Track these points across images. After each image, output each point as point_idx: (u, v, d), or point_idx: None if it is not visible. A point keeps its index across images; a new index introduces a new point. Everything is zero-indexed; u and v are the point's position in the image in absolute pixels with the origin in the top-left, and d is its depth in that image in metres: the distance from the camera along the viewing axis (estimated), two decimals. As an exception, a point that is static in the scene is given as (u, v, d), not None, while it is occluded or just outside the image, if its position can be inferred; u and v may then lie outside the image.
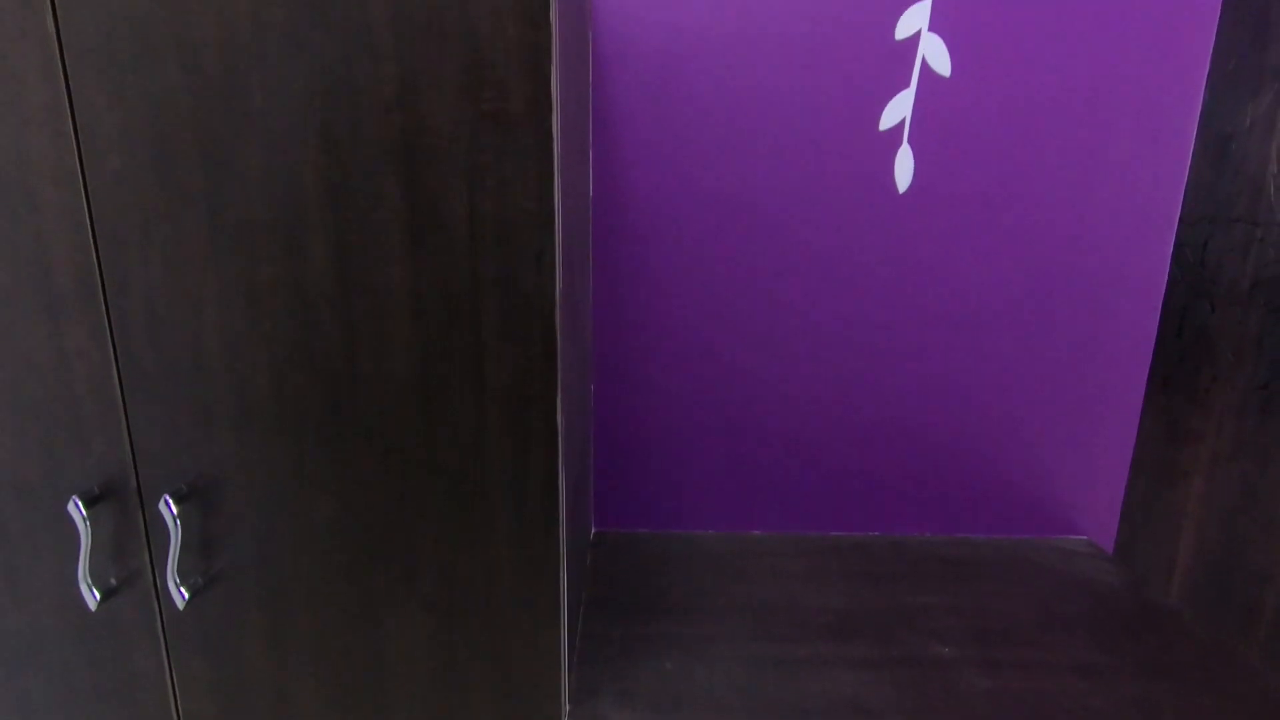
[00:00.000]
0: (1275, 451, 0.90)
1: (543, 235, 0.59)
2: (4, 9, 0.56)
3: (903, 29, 0.95)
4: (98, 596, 0.67)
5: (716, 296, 1.04)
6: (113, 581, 0.69)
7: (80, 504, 0.65)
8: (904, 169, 0.99)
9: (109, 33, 0.56)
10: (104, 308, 0.62)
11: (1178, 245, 1.03)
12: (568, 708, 0.73)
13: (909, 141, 0.99)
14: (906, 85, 0.97)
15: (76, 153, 0.59)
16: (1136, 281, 1.04)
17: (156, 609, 0.69)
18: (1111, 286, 1.04)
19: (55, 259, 0.61)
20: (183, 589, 0.67)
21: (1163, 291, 1.05)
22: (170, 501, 0.65)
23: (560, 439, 0.64)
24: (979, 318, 1.05)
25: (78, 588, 0.68)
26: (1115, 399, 1.09)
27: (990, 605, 0.96)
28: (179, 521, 0.66)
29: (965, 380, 1.07)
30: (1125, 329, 1.06)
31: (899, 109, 0.97)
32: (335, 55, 0.56)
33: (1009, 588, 1.00)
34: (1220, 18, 0.95)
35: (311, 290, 0.61)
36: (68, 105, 0.58)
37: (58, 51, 0.57)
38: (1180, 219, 1.02)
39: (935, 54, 0.96)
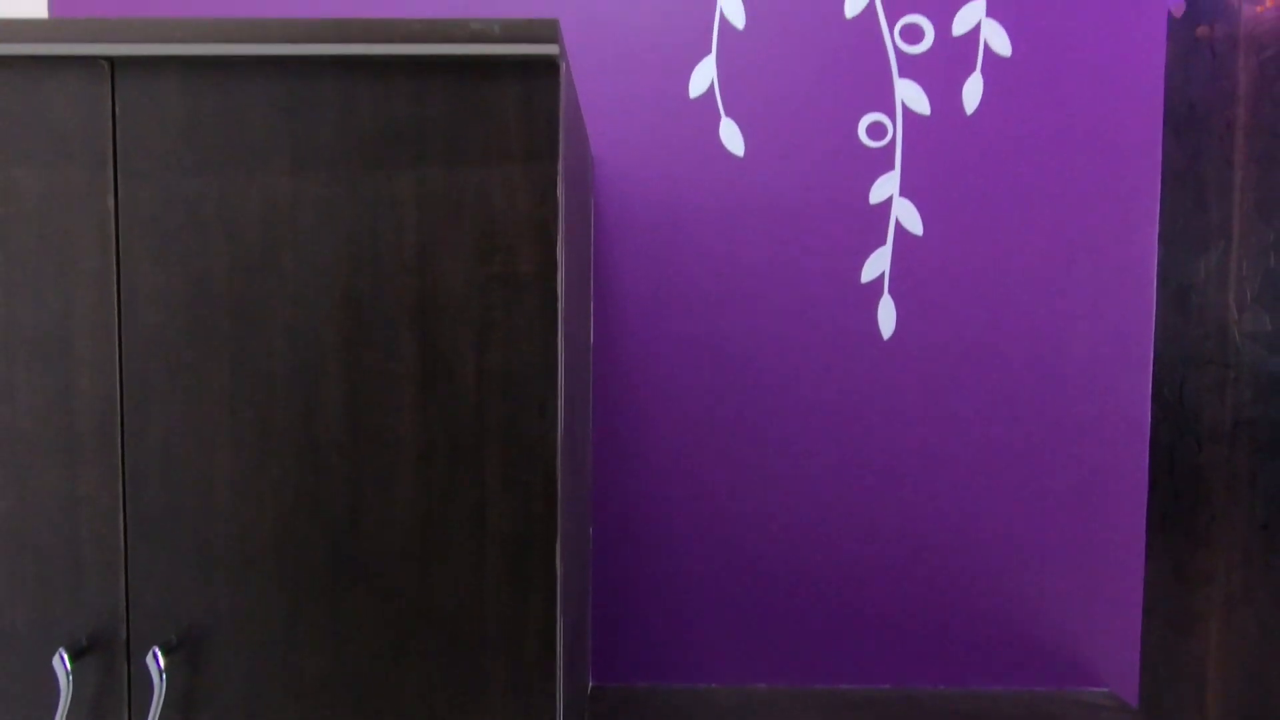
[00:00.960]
0: (1285, 594, 0.89)
1: (546, 386, 0.62)
2: (72, 187, 0.63)
3: (876, 195, 1.05)
4: (69, 761, 0.63)
5: (714, 443, 1.07)
6: (86, 744, 0.65)
7: (66, 658, 0.63)
8: (887, 318, 1.05)
9: (162, 208, 0.63)
10: (120, 452, 0.64)
11: (1156, 384, 1.07)
12: None
13: (890, 292, 1.05)
14: (883, 243, 1.05)
15: (117, 309, 0.63)
16: (1121, 421, 1.07)
17: (128, 775, 0.66)
18: (1098, 427, 1.07)
19: (80, 405, 0.64)
20: (159, 752, 0.64)
21: (1148, 431, 1.07)
22: (159, 654, 0.63)
23: (559, 587, 0.64)
24: (975, 462, 1.07)
25: (49, 751, 0.65)
26: (1118, 540, 1.08)
27: (1013, 767, 0.90)
28: (165, 675, 0.64)
29: (966, 525, 1.07)
30: (1118, 468, 1.07)
31: (878, 264, 1.05)
32: (363, 226, 0.62)
33: (1032, 747, 0.95)
34: (1162, 184, 1.05)
35: (322, 437, 0.63)
36: (115, 270, 0.63)
37: (114, 224, 0.63)
38: (1155, 359, 1.07)
39: (907, 216, 1.05)
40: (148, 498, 0.64)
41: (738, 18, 1.05)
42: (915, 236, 1.05)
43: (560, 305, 0.63)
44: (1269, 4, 0.98)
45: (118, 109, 0.62)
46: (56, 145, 0.62)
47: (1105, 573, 1.08)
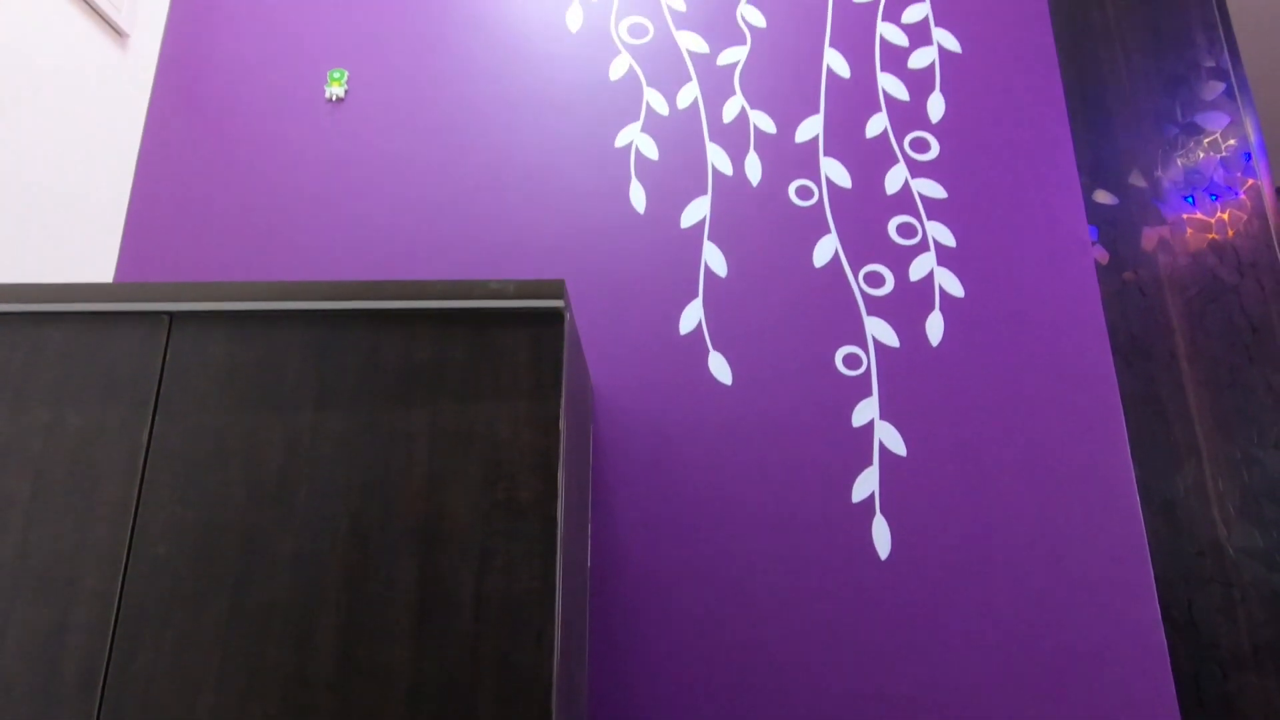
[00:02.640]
0: None
1: (544, 613, 0.62)
2: (111, 424, 0.68)
3: (858, 418, 1.12)
4: None
5: (715, 668, 1.02)
6: None
7: None
8: (882, 538, 1.06)
9: (190, 443, 0.68)
10: (99, 697, 0.62)
11: (1164, 607, 1.05)
12: None
13: (882, 512, 1.08)
14: (870, 463, 1.10)
15: (128, 543, 0.65)
16: (1138, 648, 1.03)
17: None
18: (1113, 656, 1.03)
19: (69, 645, 0.63)
20: None
21: (1167, 658, 1.03)
22: None
23: None
24: (987, 692, 1.01)
25: None
26: (1163, 786, 0.98)
27: None
28: None
29: (993, 765, 0.99)
30: (1142, 702, 1.01)
31: (867, 484, 1.09)
32: (377, 458, 0.67)
33: None
34: (1124, 407, 1.12)
35: (313, 676, 0.62)
36: (135, 502, 0.66)
37: (143, 458, 0.67)
38: (1157, 581, 1.06)
39: (890, 438, 1.11)
40: (118, 745, 0.61)
41: (720, 267, 1.20)
42: (900, 457, 1.10)
43: (559, 530, 0.65)
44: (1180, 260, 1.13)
45: (168, 356, 0.70)
46: (107, 389, 0.69)
47: (1159, 828, 0.97)
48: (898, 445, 1.10)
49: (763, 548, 1.06)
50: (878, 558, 1.06)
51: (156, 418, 0.68)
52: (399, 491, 0.66)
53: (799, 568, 1.05)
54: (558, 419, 0.67)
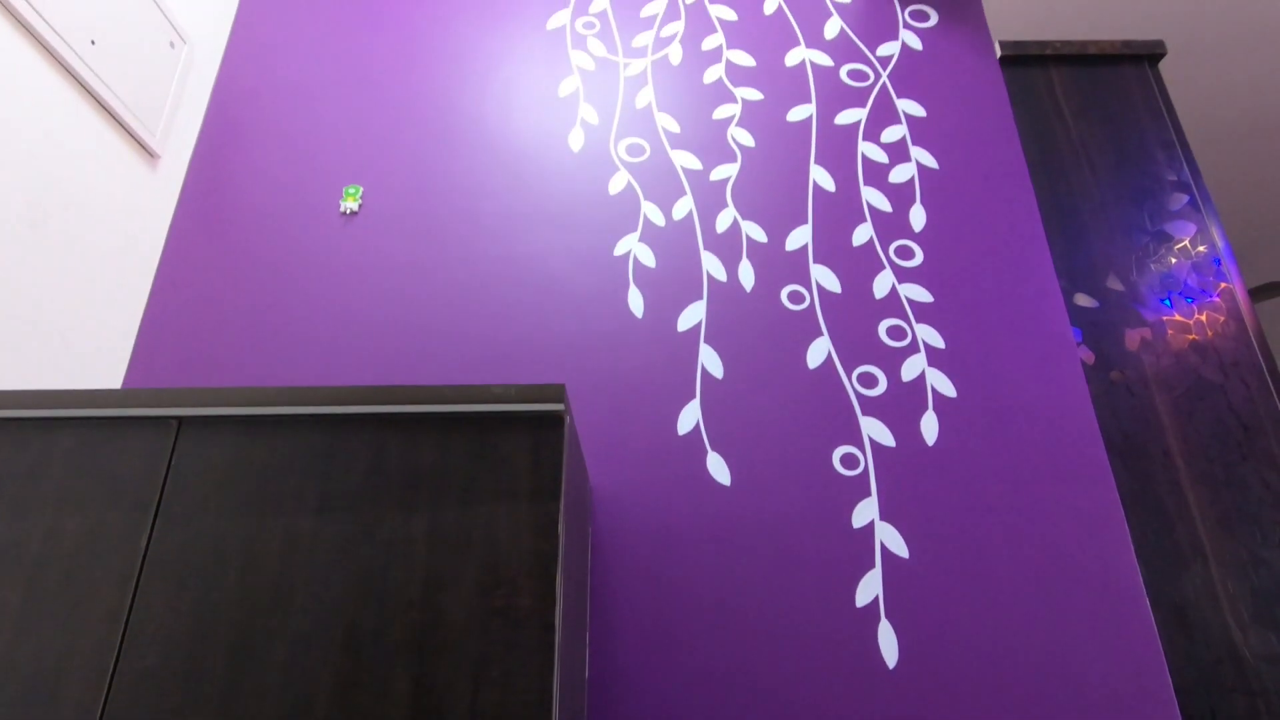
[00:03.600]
0: None
1: (540, 728, 0.60)
2: (111, 530, 0.68)
3: (858, 519, 1.11)
4: None
5: (720, 793, 0.96)
6: None
7: None
8: (889, 645, 1.03)
9: (188, 548, 0.67)
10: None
11: (1186, 716, 1.00)
12: None
13: (887, 617, 1.05)
14: (872, 566, 1.08)
15: (116, 653, 0.64)
16: (1164, 763, 0.98)
17: None
18: (1140, 770, 0.98)
19: (42, 766, 0.60)
20: None
21: (1197, 775, 0.98)
22: None
23: None
24: (1012, 813, 0.95)
25: None
26: None
27: None
28: None
29: None
30: (1177, 824, 0.95)
31: (870, 588, 1.07)
32: (375, 563, 0.66)
33: None
34: (1124, 506, 1.12)
35: (296, 797, 0.59)
36: (127, 611, 0.65)
37: (139, 563, 0.67)
38: (1176, 691, 1.02)
39: (891, 539, 1.10)
40: None
41: (716, 369, 1.22)
42: (902, 559, 1.08)
43: (557, 640, 0.64)
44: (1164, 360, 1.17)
45: (174, 460, 0.71)
46: (110, 494, 0.69)
47: None
48: (899, 547, 1.09)
49: (766, 656, 1.03)
50: (885, 666, 1.02)
51: (156, 523, 0.68)
52: (396, 598, 0.65)
53: (804, 677, 1.02)
54: (557, 523, 0.67)
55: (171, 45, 1.30)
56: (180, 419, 0.73)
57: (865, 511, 1.12)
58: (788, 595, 1.06)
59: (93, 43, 1.09)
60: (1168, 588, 1.06)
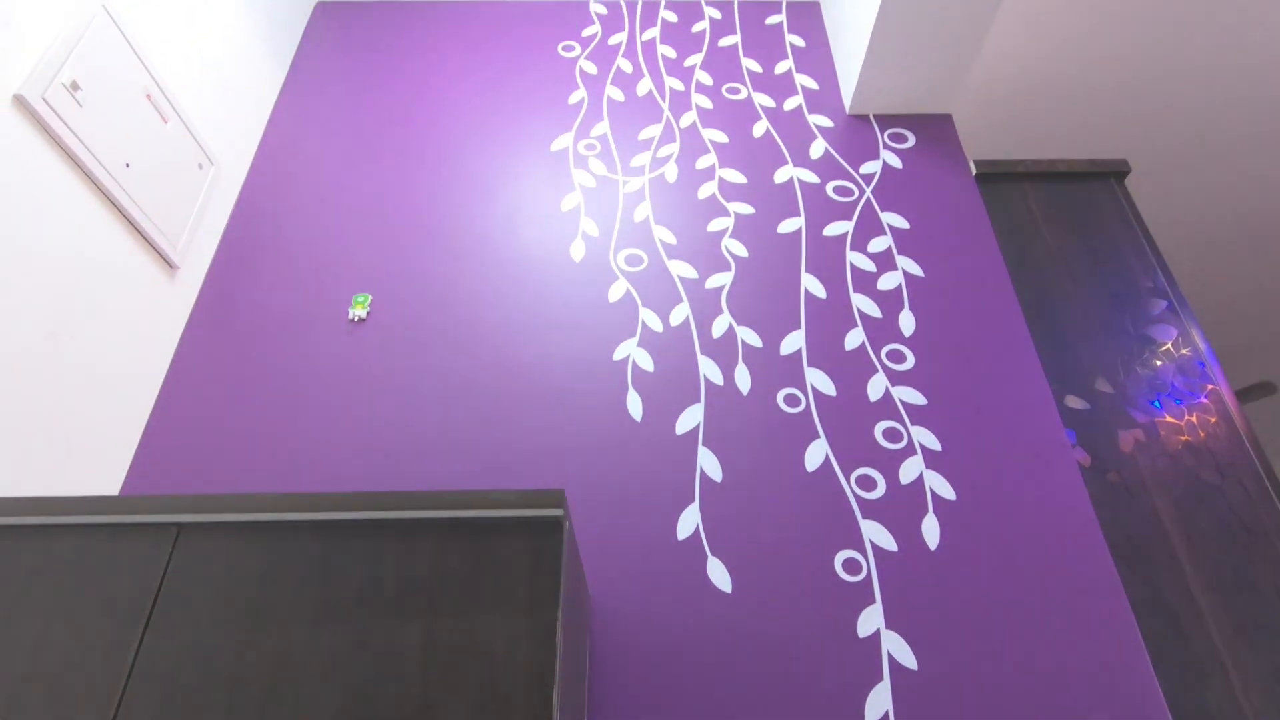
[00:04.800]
0: None
1: None
2: (99, 642, 0.67)
3: (863, 627, 1.08)
4: None
5: None
6: None
7: None
8: (902, 766, 0.98)
9: (178, 661, 0.66)
10: None
11: None
12: None
13: (899, 736, 1.00)
14: (880, 679, 1.04)
15: (91, 778, 0.61)
16: None
17: None
18: None
19: None
20: None
21: None
22: None
23: None
24: None
25: None
26: None
27: None
28: None
29: None
30: None
31: (880, 703, 1.02)
32: (368, 677, 0.65)
33: None
34: (1136, 615, 1.09)
35: None
36: (108, 729, 0.63)
37: (125, 681, 0.65)
38: (1211, 817, 0.96)
39: (899, 649, 1.06)
40: None
41: (715, 473, 1.23)
42: (911, 671, 1.04)
43: (553, 760, 0.61)
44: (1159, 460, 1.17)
45: (170, 569, 0.70)
46: (104, 603, 0.68)
47: None
48: (908, 658, 1.06)
49: (773, 780, 0.97)
50: (900, 791, 0.97)
51: (146, 635, 0.67)
52: (387, 716, 0.63)
53: (815, 805, 0.96)
54: (555, 633, 0.66)
55: (200, 166, 1.39)
56: (180, 525, 0.73)
57: (870, 619, 1.09)
58: (794, 711, 1.02)
59: (127, 165, 1.17)
60: (1189, 702, 1.01)
